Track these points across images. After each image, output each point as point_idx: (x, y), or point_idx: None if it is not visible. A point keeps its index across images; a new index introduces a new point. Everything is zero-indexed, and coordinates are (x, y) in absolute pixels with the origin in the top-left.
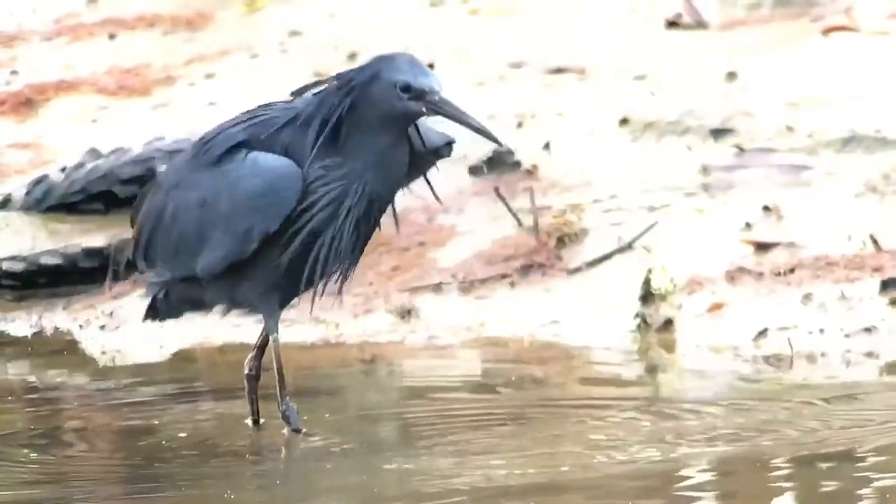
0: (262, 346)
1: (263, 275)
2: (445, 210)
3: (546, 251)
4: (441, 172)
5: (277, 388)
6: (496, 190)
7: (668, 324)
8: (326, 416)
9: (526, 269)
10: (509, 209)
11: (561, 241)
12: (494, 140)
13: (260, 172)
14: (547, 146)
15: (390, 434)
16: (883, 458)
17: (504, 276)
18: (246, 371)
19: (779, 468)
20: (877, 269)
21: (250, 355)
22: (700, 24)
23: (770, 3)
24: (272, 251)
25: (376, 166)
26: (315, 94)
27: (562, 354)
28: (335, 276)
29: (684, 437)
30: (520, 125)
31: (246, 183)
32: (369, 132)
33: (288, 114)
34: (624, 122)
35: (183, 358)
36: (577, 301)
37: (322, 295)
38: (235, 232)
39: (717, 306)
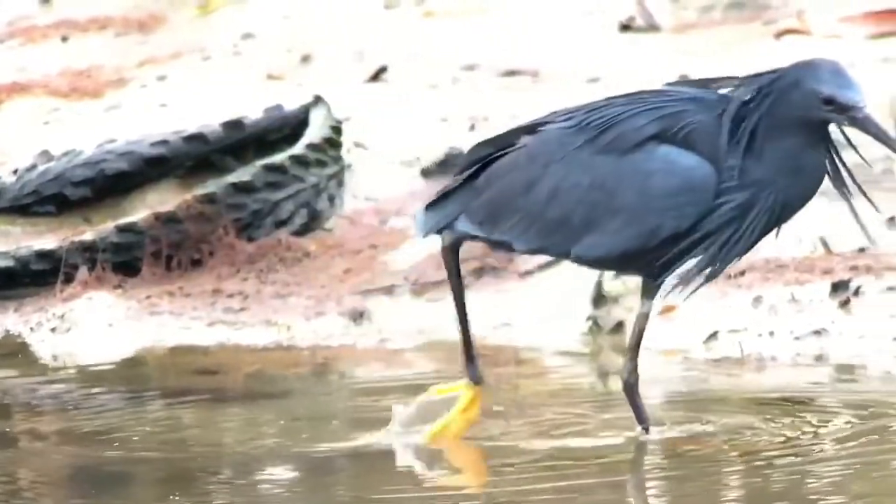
0: (638, 345)
1: (640, 262)
2: (397, 213)
3: (499, 254)
4: (393, 175)
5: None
6: None
7: (619, 326)
8: (277, 419)
9: (478, 272)
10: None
11: None
12: None
13: (677, 170)
14: None
15: (341, 436)
16: (827, 457)
17: None
18: (626, 377)
19: (728, 467)
20: (827, 272)
21: (625, 359)
22: (653, 27)
23: (722, 7)
24: (661, 245)
25: (790, 174)
26: (723, 92)
27: (513, 357)
28: (706, 274)
29: (627, 432)
30: (473, 127)
31: (660, 179)
32: (782, 138)
33: (697, 109)
34: None
35: (134, 361)
36: (530, 304)
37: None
38: (641, 226)
39: (668, 309)
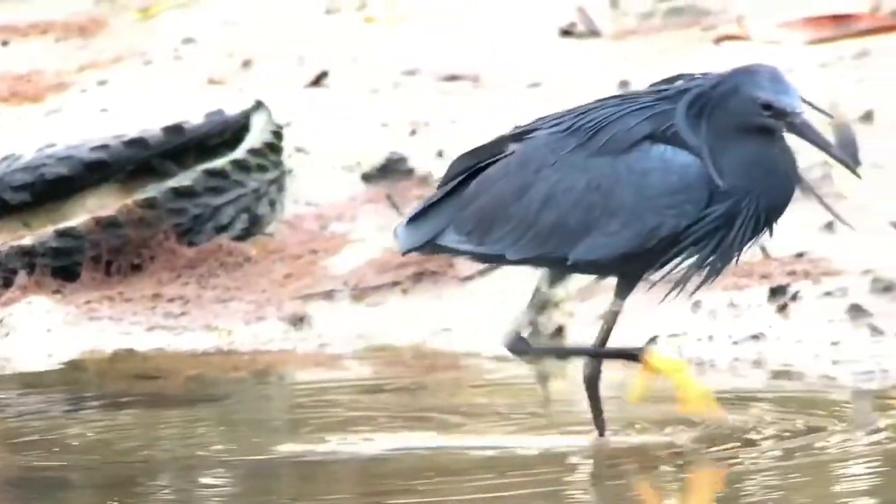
0: (603, 342)
1: (636, 264)
2: (338, 217)
3: (438, 259)
4: (334, 179)
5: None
6: (389, 197)
7: (559, 331)
8: (217, 424)
9: (418, 277)
10: (402, 216)
11: None
12: (854, 172)
13: (674, 168)
14: (440, 153)
15: (280, 441)
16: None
17: (396, 284)
18: (587, 372)
19: (665, 466)
20: (765, 277)
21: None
22: (593, 33)
23: (662, 13)
24: (659, 245)
25: (763, 178)
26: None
27: (453, 362)
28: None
29: (566, 432)
30: (413, 132)
31: (658, 178)
32: (738, 144)
33: (670, 108)
34: None
35: (73, 366)
36: (469, 308)
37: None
38: (641, 226)
39: None
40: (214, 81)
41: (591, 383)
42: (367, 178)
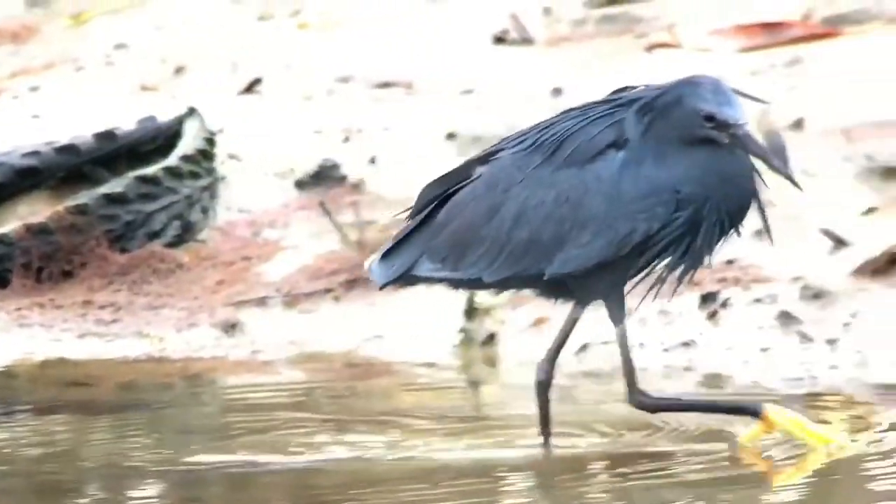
0: (559, 348)
1: (613, 273)
2: (271, 224)
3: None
4: (267, 186)
5: (626, 380)
6: (322, 204)
7: (491, 338)
8: (148, 432)
9: (351, 284)
10: (335, 223)
11: None
12: (795, 184)
13: (642, 173)
14: (373, 160)
15: (212, 449)
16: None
17: (329, 291)
18: (541, 377)
19: (594, 472)
20: (695, 284)
21: (544, 358)
22: (526, 41)
23: (595, 20)
24: (632, 252)
25: (720, 185)
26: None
27: (384, 369)
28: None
29: (493, 445)
30: (346, 139)
31: (627, 184)
32: (687, 154)
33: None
34: (450, 136)
35: (3, 373)
36: (402, 316)
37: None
38: (614, 233)
39: (540, 321)
40: (147, 88)
41: (543, 389)
42: (300, 184)
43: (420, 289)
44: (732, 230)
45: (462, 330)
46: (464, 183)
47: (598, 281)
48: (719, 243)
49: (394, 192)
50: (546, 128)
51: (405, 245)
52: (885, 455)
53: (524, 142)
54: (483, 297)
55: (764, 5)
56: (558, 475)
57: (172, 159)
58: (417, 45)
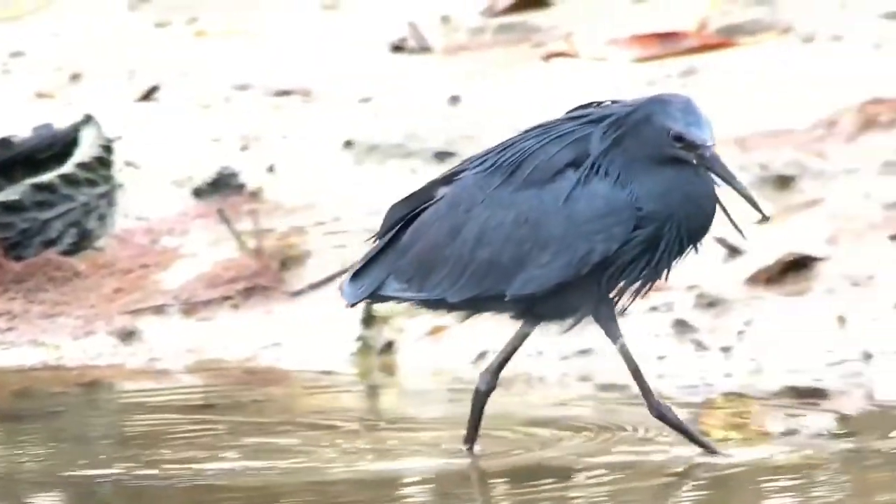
0: (505, 360)
1: (576, 293)
2: (169, 232)
3: (269, 274)
4: (164, 194)
5: (641, 390)
6: (220, 212)
7: (389, 346)
8: (43, 440)
9: (249, 292)
10: (233, 231)
11: (284, 264)
12: (759, 210)
13: (599, 193)
14: (272, 168)
15: (108, 458)
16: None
17: (227, 299)
18: (482, 386)
19: (494, 482)
20: None
21: (488, 368)
22: (424, 49)
23: (492, 30)
24: (592, 272)
25: (682, 205)
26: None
27: (282, 377)
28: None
29: (390, 455)
30: (244, 147)
31: (584, 204)
32: (652, 171)
33: (590, 132)
34: (348, 144)
35: None
36: (300, 324)
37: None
38: (572, 254)
39: (438, 329)
40: (43, 95)
41: (481, 398)
42: (198, 192)
43: (318, 296)
44: (690, 247)
45: (360, 338)
46: (428, 203)
47: (561, 301)
48: (677, 260)
49: (292, 200)
50: (507, 147)
51: (373, 265)
52: (777, 467)
53: (485, 162)
54: (381, 306)
55: (660, 16)
56: (458, 485)
57: (69, 167)
58: (316, 53)
